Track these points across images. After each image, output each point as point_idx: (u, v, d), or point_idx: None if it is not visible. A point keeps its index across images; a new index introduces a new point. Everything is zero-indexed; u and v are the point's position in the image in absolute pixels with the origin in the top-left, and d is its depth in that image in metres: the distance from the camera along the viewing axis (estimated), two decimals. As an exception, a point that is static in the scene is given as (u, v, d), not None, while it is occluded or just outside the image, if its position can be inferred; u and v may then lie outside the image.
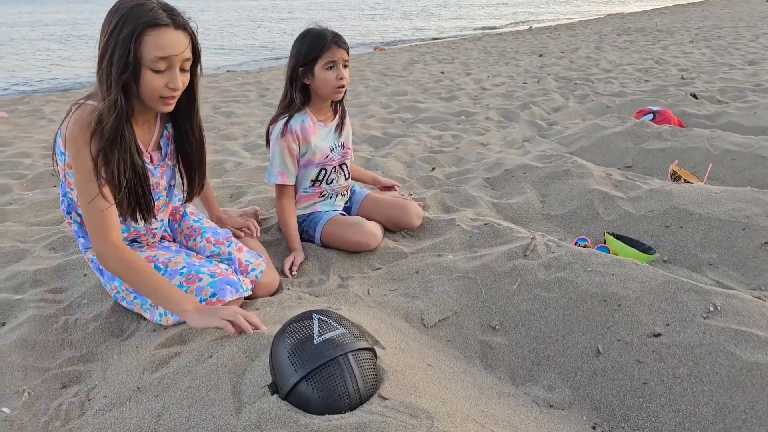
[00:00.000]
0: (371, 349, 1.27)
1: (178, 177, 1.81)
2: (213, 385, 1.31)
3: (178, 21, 1.42)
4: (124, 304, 1.74)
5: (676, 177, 2.90)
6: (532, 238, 2.01)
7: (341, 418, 1.12)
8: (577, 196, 2.74)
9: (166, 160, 1.70)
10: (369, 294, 1.85)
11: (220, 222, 2.08)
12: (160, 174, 1.69)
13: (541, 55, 9.50)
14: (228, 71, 10.19)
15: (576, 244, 2.30)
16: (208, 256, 1.84)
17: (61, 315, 1.81)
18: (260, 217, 2.47)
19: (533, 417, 1.36)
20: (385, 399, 1.18)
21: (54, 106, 6.72)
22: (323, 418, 1.13)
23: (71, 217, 1.73)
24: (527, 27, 17.08)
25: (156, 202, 1.68)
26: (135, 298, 1.70)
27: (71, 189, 1.64)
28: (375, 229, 2.12)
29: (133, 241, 1.78)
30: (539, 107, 5.32)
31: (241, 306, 1.74)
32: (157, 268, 1.69)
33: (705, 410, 1.35)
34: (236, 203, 2.82)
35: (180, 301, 1.49)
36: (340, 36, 2.02)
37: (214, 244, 1.85)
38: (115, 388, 1.46)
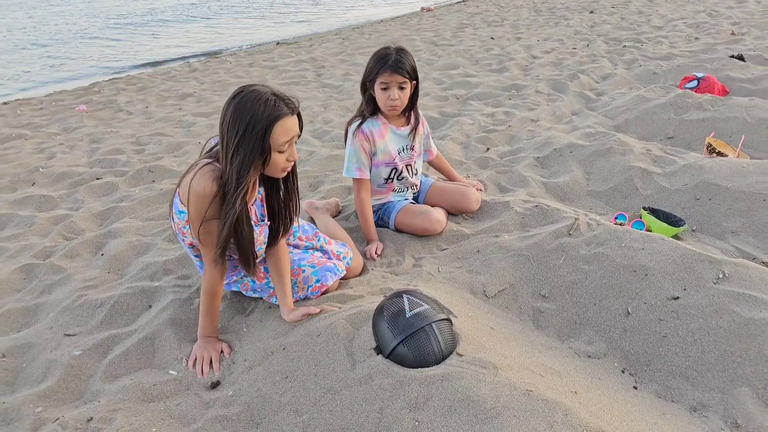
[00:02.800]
0: (448, 319, 1.73)
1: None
2: (330, 349, 1.76)
3: (293, 108, 1.72)
4: (245, 293, 2.19)
5: (711, 149, 3.15)
6: (576, 219, 2.39)
7: (430, 370, 1.57)
8: (619, 173, 3.06)
9: (265, 220, 1.97)
10: (439, 271, 2.31)
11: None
12: (259, 231, 1.95)
13: (591, 12, 9.38)
14: (278, 43, 10.52)
15: (615, 219, 2.65)
16: (304, 248, 2.26)
17: (194, 297, 2.25)
18: (340, 207, 2.95)
19: (575, 365, 1.80)
20: (461, 356, 1.63)
21: (125, 96, 7.13)
22: (417, 370, 1.58)
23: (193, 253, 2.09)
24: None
25: (258, 252, 1.96)
26: (254, 293, 2.15)
27: (185, 239, 1.95)
28: (440, 216, 2.55)
29: None
30: (588, 76, 5.49)
31: (339, 286, 2.20)
32: (266, 269, 2.10)
33: (710, 356, 1.74)
34: (316, 193, 3.30)
35: (203, 330, 1.95)
36: (399, 60, 2.32)
37: (305, 241, 2.27)
38: (251, 353, 1.92)
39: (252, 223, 1.86)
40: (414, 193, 2.78)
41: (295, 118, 1.74)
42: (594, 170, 3.20)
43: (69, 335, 2.11)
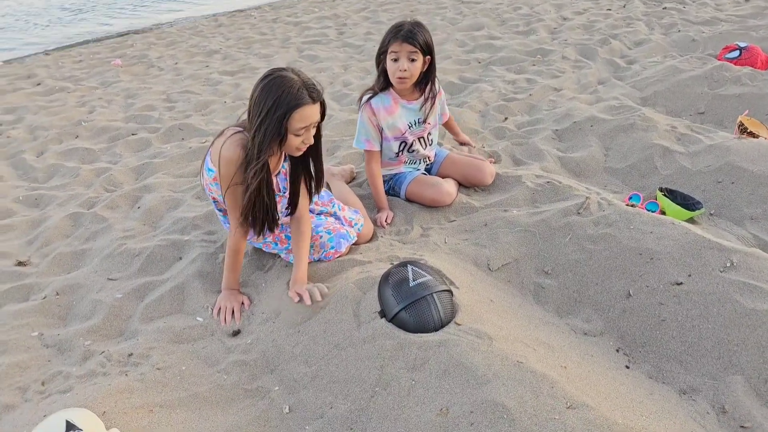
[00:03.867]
0: (449, 291, 1.78)
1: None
2: (339, 309, 1.88)
3: (315, 97, 1.84)
4: (265, 249, 2.33)
5: (743, 129, 3.04)
6: (587, 198, 2.37)
7: (429, 336, 1.66)
8: (639, 150, 3.00)
9: (285, 192, 2.12)
10: (445, 243, 2.34)
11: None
12: (278, 200, 2.09)
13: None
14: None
15: (629, 199, 2.62)
16: (317, 214, 2.35)
17: (219, 252, 2.44)
18: (354, 173, 2.98)
19: (569, 341, 1.83)
20: (459, 325, 1.70)
21: (156, 51, 7.37)
22: (417, 335, 1.67)
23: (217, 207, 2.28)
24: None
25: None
26: (275, 246, 2.27)
27: (211, 194, 2.13)
28: (451, 188, 2.56)
29: None
30: (620, 41, 5.29)
31: (349, 251, 2.28)
32: (287, 237, 2.23)
33: (706, 342, 1.75)
34: (332, 158, 3.33)
35: (227, 283, 2.12)
36: (411, 31, 2.29)
37: (321, 206, 2.35)
38: (268, 307, 2.07)
39: (273, 193, 1.98)
40: (427, 165, 2.78)
41: (316, 106, 1.86)
42: (613, 146, 3.14)
43: (111, 279, 2.35)
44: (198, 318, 2.10)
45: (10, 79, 6.51)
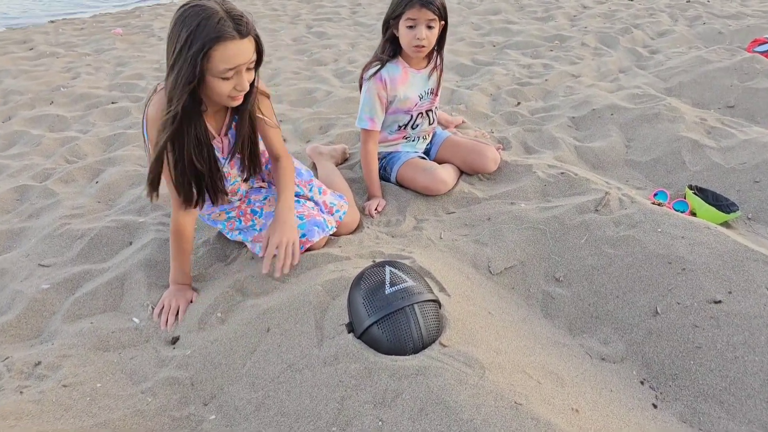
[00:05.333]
0: (436, 301, 1.44)
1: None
2: (299, 318, 1.53)
3: (243, 31, 1.45)
4: (229, 236, 2.00)
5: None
6: (606, 193, 2.03)
7: (405, 360, 1.31)
8: (665, 143, 2.65)
9: (236, 153, 1.78)
10: (441, 238, 2.00)
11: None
12: (230, 165, 1.81)
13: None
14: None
15: (655, 196, 2.28)
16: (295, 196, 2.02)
17: None
18: (347, 154, 2.64)
19: (582, 369, 1.50)
20: (444, 346, 1.35)
21: (162, 22, 7.08)
22: (390, 358, 1.33)
23: None
24: None
25: (231, 187, 1.85)
26: (238, 234, 1.95)
27: None
28: (445, 175, 2.22)
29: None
30: (642, 31, 4.92)
31: (326, 243, 1.95)
32: (253, 212, 1.93)
33: (753, 379, 1.42)
34: (325, 136, 2.99)
35: (174, 276, 1.79)
36: None
37: (298, 186, 2.01)
38: (225, 306, 1.73)
39: (210, 156, 1.65)
40: (426, 145, 2.44)
41: (244, 42, 1.47)
42: (636, 137, 2.79)
43: (43, 266, 2.01)
44: (134, 319, 1.74)
45: (4, 43, 6.28)
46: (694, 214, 2.18)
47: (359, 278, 1.46)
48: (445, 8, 2.08)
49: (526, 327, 1.63)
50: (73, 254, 2.05)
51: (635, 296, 1.70)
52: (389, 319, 1.35)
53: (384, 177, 2.35)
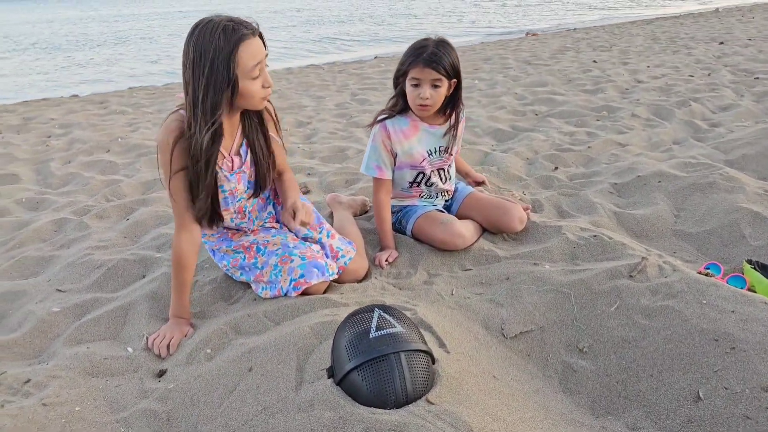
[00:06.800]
0: (427, 352, 1.26)
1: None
2: (282, 359, 1.42)
3: (253, 29, 1.57)
4: (234, 278, 1.93)
5: None
6: (643, 258, 1.80)
7: (384, 413, 1.14)
8: (721, 214, 2.38)
9: (243, 167, 1.79)
10: (452, 294, 1.82)
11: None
12: (237, 180, 1.78)
13: (721, 43, 8.31)
14: (376, 57, 10.47)
15: (706, 268, 2.01)
16: (302, 239, 1.94)
17: None
18: (367, 207, 2.55)
19: (600, 456, 1.24)
20: (431, 404, 1.17)
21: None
22: (368, 409, 1.16)
23: None
24: (713, 8, 15.02)
25: (235, 205, 1.83)
26: (241, 274, 1.87)
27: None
28: (464, 230, 2.06)
29: (237, 229, 1.93)
30: (702, 104, 4.68)
31: (327, 289, 1.82)
32: (258, 250, 1.85)
33: (821, 492, 1.12)
34: (349, 189, 2.92)
35: (174, 309, 1.75)
36: (436, 54, 1.92)
37: (308, 229, 1.94)
38: (216, 342, 1.65)
39: (224, 174, 1.74)
40: (446, 201, 2.31)
41: (257, 39, 1.59)
42: (687, 206, 2.53)
43: (60, 291, 2.07)
44: (128, 348, 1.72)
45: (84, 104, 6.96)
46: (752, 290, 1.89)
47: (346, 320, 1.31)
48: (454, 67, 1.98)
49: (538, 399, 1.40)
50: (89, 282, 2.10)
51: (673, 376, 1.44)
52: (371, 366, 1.18)
53: (399, 230, 2.22)
